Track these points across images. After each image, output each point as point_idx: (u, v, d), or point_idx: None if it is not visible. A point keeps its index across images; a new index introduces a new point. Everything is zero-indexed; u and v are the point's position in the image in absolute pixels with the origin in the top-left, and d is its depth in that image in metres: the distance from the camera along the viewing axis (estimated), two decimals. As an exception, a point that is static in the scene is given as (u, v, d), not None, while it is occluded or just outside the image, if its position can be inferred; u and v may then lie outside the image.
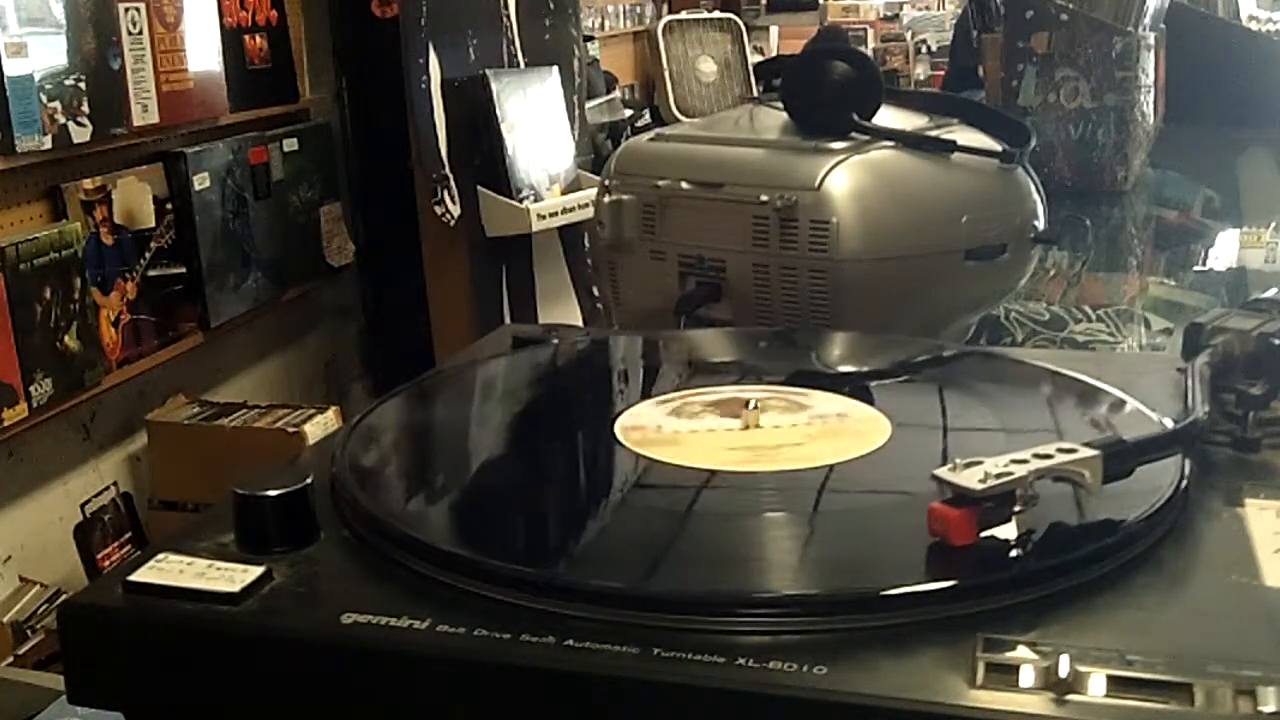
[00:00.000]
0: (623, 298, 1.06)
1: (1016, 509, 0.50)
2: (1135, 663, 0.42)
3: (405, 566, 0.51)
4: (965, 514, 0.49)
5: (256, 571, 0.50)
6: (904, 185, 0.94)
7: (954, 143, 0.97)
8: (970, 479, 0.49)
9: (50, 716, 1.05)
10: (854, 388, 0.71)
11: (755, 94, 1.32)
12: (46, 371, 1.82)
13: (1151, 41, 1.76)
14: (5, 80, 1.73)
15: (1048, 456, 0.51)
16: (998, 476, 0.49)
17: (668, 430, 0.64)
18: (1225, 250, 1.70)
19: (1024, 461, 0.50)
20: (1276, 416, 0.64)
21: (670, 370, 0.82)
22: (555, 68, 2.67)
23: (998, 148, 0.98)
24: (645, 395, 0.71)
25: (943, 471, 0.50)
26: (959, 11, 4.72)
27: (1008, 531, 0.50)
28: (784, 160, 0.96)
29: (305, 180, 2.51)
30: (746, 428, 0.64)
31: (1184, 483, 0.55)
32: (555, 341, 0.84)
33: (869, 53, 3.33)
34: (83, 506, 2.05)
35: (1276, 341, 0.68)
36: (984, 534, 0.49)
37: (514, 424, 0.72)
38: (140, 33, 2.02)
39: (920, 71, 5.85)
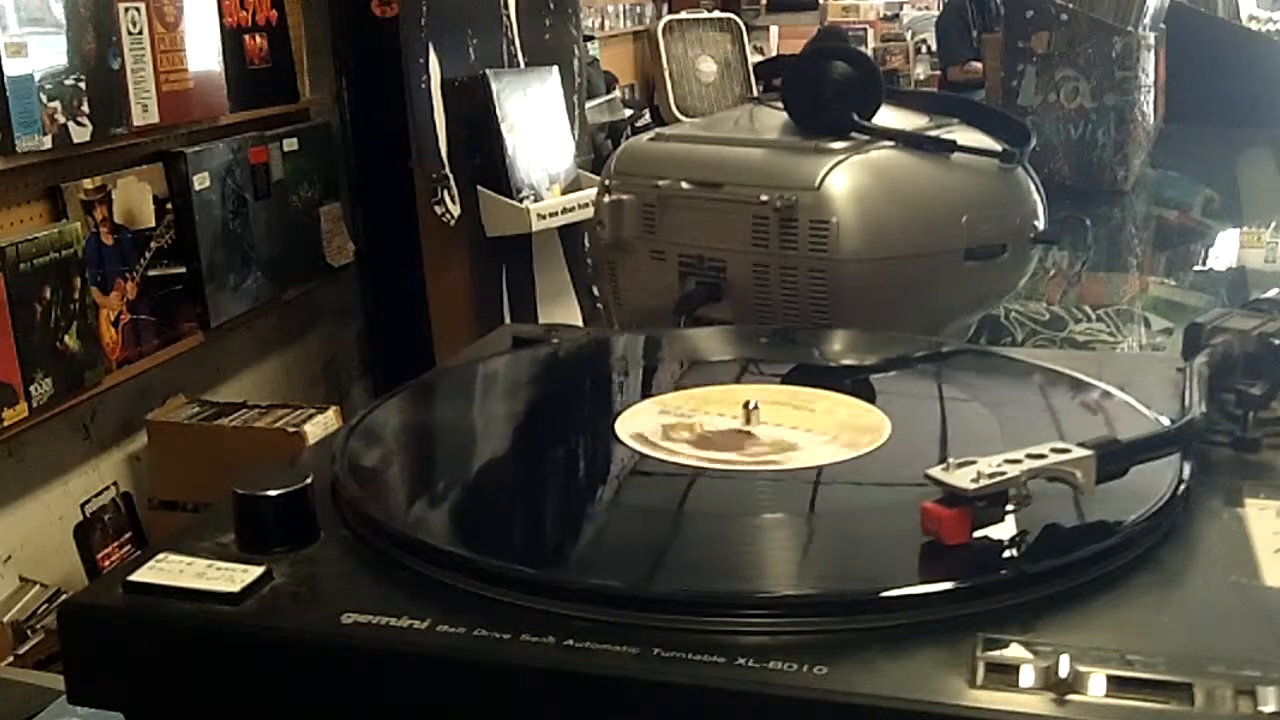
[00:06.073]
0: (623, 298, 1.06)
1: (1010, 509, 0.50)
2: (1135, 663, 0.42)
3: (405, 566, 0.51)
4: (958, 514, 0.49)
5: (256, 571, 0.50)
6: (904, 185, 0.94)
7: (954, 143, 0.97)
8: (963, 479, 0.49)
9: (50, 716, 1.05)
10: (853, 386, 0.71)
11: (755, 94, 1.32)
12: (46, 371, 1.82)
13: (1151, 41, 1.76)
14: (5, 80, 1.73)
15: (1041, 456, 0.51)
16: (990, 476, 0.49)
17: (668, 430, 0.64)
18: (1225, 250, 1.71)
19: (1017, 461, 0.50)
20: (1276, 416, 0.64)
21: (670, 369, 0.82)
22: (555, 68, 2.66)
23: (998, 148, 0.98)
24: (645, 395, 0.71)
25: (936, 471, 0.50)
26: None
27: (1008, 532, 0.50)
28: (784, 160, 0.96)
29: (305, 180, 2.51)
30: (745, 427, 0.64)
31: (1184, 483, 0.55)
32: (555, 341, 0.84)
33: (869, 53, 3.32)
34: (83, 506, 2.05)
35: (1276, 341, 0.68)
36: (978, 534, 0.49)
37: (514, 424, 0.72)
38: (140, 33, 2.02)
39: (920, 71, 5.86)
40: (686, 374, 0.80)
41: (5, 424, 1.76)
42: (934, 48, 5.73)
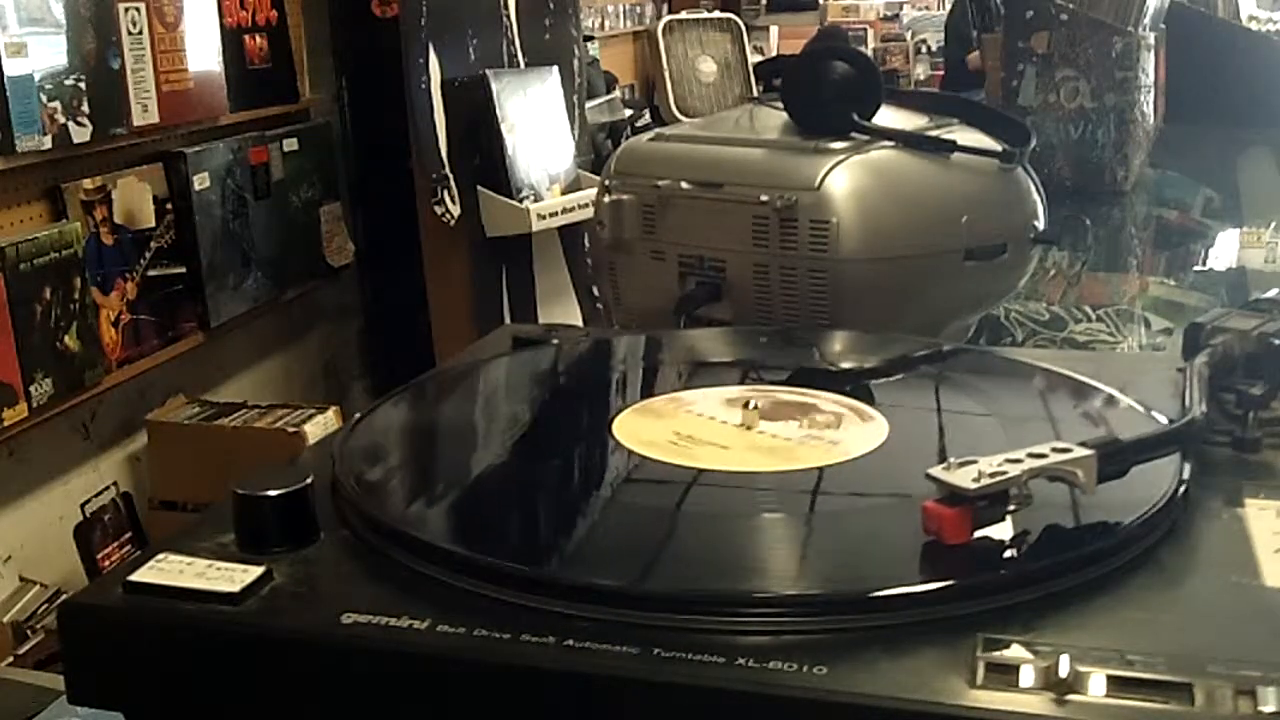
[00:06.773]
0: (623, 298, 1.06)
1: (1010, 508, 0.50)
2: (1135, 663, 0.42)
3: (405, 566, 0.51)
4: (959, 513, 0.49)
5: (256, 571, 0.50)
6: (904, 185, 0.94)
7: (954, 143, 0.97)
8: (964, 478, 0.49)
9: (50, 716, 1.05)
10: (853, 387, 0.71)
11: (755, 94, 1.32)
12: (46, 371, 1.82)
13: (1151, 41, 1.76)
14: (5, 80, 1.73)
15: (1042, 456, 0.51)
16: (991, 476, 0.49)
17: (667, 430, 0.64)
18: (1225, 250, 1.71)
19: (1018, 461, 0.50)
20: (1276, 416, 0.64)
21: (669, 370, 0.82)
22: (555, 68, 2.66)
23: (998, 148, 0.98)
24: (644, 395, 0.71)
25: (937, 470, 0.50)
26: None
27: (1008, 531, 0.50)
28: (784, 160, 0.96)
29: (305, 180, 2.51)
30: (745, 428, 0.64)
31: (1184, 483, 0.55)
32: (555, 341, 0.84)
33: (869, 53, 3.32)
34: (83, 506, 2.05)
35: (1276, 341, 0.68)
36: (979, 533, 0.49)
37: (513, 424, 0.72)
38: (140, 33, 2.02)
39: (920, 71, 5.86)
40: (686, 374, 0.80)
41: (5, 424, 1.76)
42: (934, 48, 5.74)
